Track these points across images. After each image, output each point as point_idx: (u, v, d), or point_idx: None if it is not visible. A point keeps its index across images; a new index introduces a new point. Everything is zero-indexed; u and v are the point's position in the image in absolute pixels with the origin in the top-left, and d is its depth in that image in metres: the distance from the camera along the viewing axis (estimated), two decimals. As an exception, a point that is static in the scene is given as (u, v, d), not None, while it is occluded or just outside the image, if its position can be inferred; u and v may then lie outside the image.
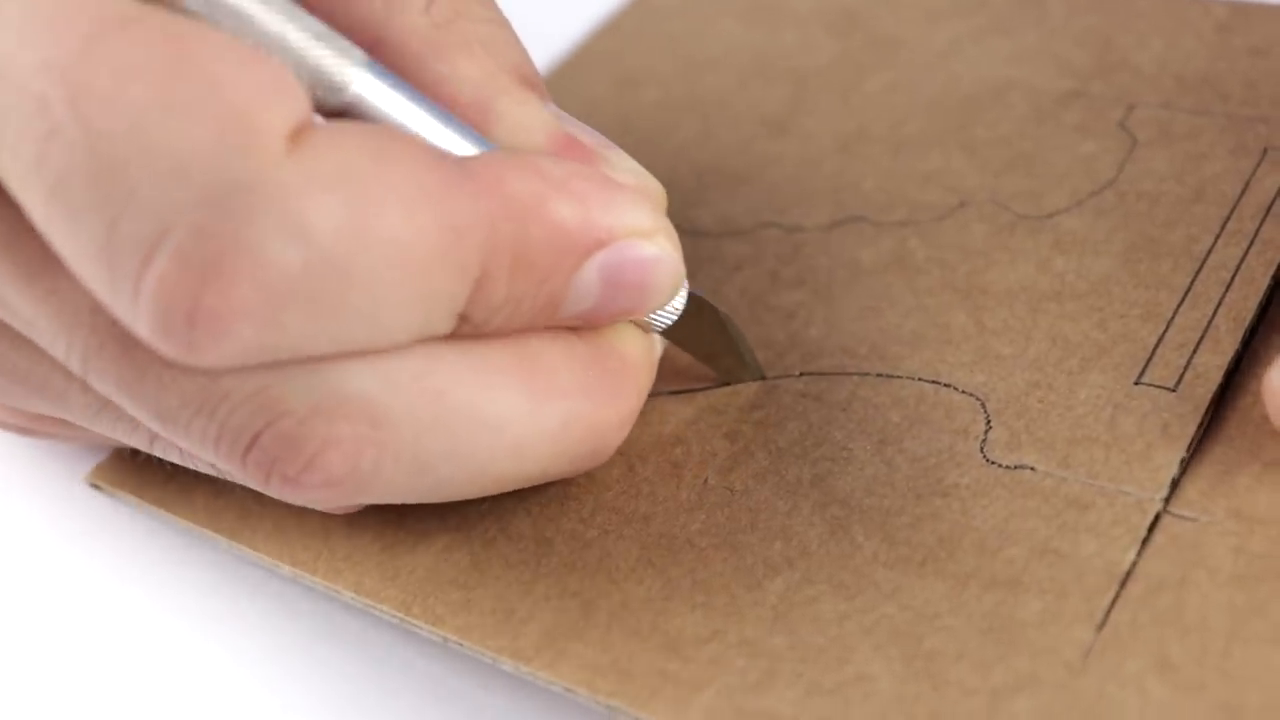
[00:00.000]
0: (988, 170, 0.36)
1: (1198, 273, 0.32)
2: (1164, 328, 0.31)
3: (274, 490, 0.26)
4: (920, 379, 0.31)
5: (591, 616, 0.28)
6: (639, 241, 0.27)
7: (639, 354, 0.29)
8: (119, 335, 0.25)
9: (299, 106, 0.24)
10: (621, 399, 0.29)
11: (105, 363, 0.26)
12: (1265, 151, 0.34)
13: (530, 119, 0.28)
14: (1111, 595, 0.27)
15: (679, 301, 0.30)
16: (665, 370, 0.32)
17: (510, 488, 0.28)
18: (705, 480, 0.30)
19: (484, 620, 0.29)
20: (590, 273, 0.27)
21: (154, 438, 0.29)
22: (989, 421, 0.30)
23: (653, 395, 0.32)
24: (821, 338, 0.33)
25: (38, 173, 0.23)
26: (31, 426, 0.32)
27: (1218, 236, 0.32)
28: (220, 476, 0.29)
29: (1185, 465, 0.28)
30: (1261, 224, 0.32)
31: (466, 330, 0.26)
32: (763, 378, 0.32)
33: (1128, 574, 0.27)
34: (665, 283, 0.28)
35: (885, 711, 0.26)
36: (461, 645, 0.29)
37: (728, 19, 0.44)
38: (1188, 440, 0.29)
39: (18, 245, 0.26)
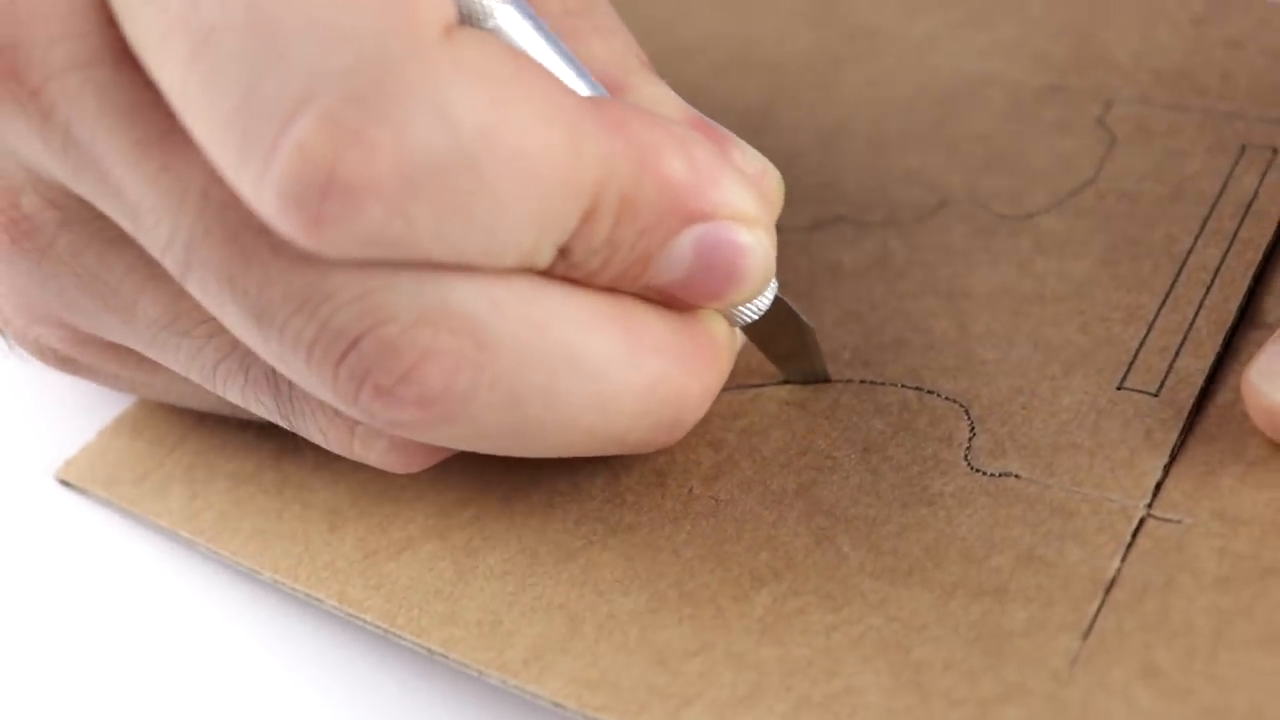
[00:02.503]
0: (967, 169, 0.36)
1: (1178, 274, 0.32)
2: (1145, 331, 0.31)
3: (363, 406, 0.26)
4: (904, 385, 0.31)
5: (578, 629, 0.28)
6: (739, 226, 0.27)
7: (724, 337, 0.29)
8: (228, 221, 0.25)
9: (451, 10, 0.24)
10: (706, 373, 0.28)
11: (210, 251, 0.25)
12: (1243, 149, 0.34)
13: (663, 97, 0.29)
14: (1097, 603, 0.27)
15: (766, 301, 0.30)
16: (737, 367, 0.32)
17: (591, 449, 0.28)
18: (690, 490, 0.30)
19: (469, 632, 0.29)
20: (686, 241, 0.27)
21: (220, 361, 0.29)
22: (973, 428, 0.30)
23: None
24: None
25: (186, 26, 0.23)
26: (74, 354, 0.31)
27: (1197, 236, 0.32)
28: (276, 416, 0.29)
29: (1168, 469, 0.28)
30: (1241, 223, 0.32)
31: (563, 269, 0.26)
32: (828, 379, 0.32)
33: (1113, 580, 0.27)
34: (755, 275, 0.28)
35: (874, 724, 0.26)
36: (447, 658, 0.29)
37: (704, 8, 0.44)
38: (1170, 446, 0.29)
39: (137, 116, 0.25)
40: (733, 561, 0.29)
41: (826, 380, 0.32)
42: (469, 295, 0.25)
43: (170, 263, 0.26)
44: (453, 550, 0.30)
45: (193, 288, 0.26)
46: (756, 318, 0.30)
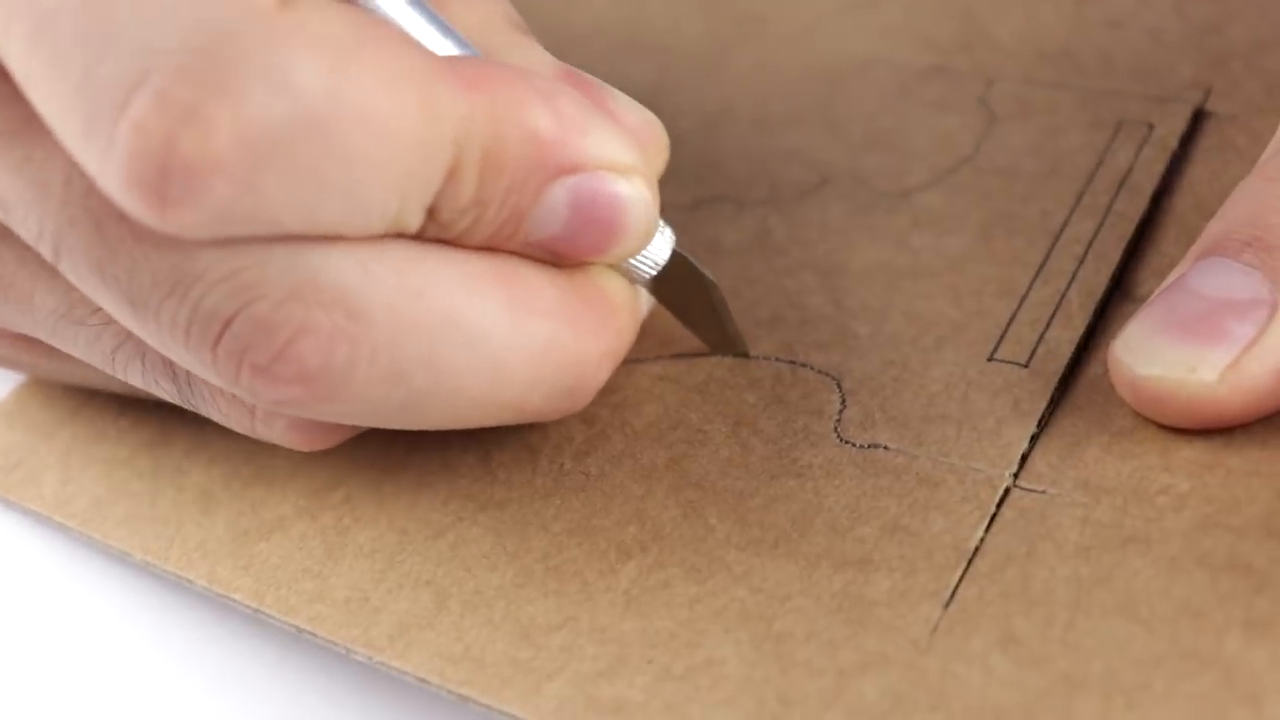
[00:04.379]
0: (849, 147, 0.36)
1: (1052, 248, 0.32)
2: (1017, 304, 0.31)
3: (245, 387, 0.25)
4: (777, 359, 0.31)
5: (444, 605, 0.28)
6: (615, 176, 0.27)
7: (622, 296, 0.29)
8: (92, 209, 0.25)
9: None
10: (603, 334, 0.28)
11: (76, 239, 0.25)
12: (1120, 125, 0.34)
13: (535, 57, 0.29)
14: (959, 572, 0.27)
15: (661, 255, 0.29)
16: (653, 337, 0.32)
17: (489, 419, 0.28)
18: (561, 465, 0.30)
19: (336, 610, 0.29)
20: (559, 194, 0.26)
21: (116, 348, 0.28)
22: (844, 401, 0.30)
23: (628, 362, 0.32)
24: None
25: (28, 8, 0.23)
26: (4, 353, 0.31)
27: (1072, 210, 0.33)
28: (179, 400, 0.29)
29: (1035, 440, 0.29)
30: (1115, 197, 0.33)
31: (434, 231, 0.26)
32: (746, 354, 0.32)
33: (976, 550, 0.27)
34: (636, 226, 0.27)
35: (734, 695, 0.26)
36: (315, 635, 0.28)
37: None
38: (1038, 416, 0.29)
39: None
40: (600, 535, 0.29)
41: (745, 354, 0.32)
42: (340, 266, 0.25)
43: (44, 252, 0.26)
44: (323, 530, 0.30)
45: (69, 276, 0.26)
46: (654, 273, 0.29)
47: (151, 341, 0.26)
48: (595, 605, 0.28)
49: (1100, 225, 0.32)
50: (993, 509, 0.28)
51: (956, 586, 0.26)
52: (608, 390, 0.31)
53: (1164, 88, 0.35)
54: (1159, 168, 0.33)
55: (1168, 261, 0.31)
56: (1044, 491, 0.28)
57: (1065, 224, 0.32)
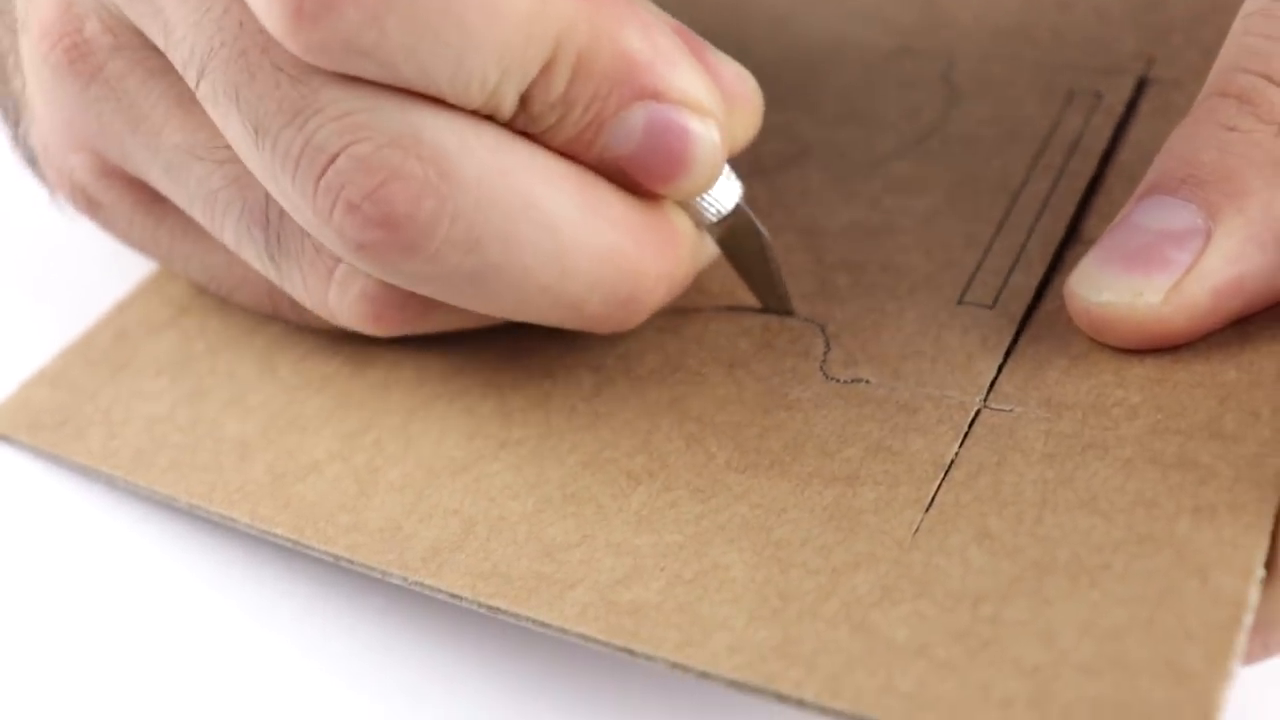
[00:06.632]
0: (825, 122, 0.39)
1: (1012, 205, 0.35)
2: (983, 254, 0.34)
3: (336, 226, 0.28)
4: (757, 310, 0.34)
5: (472, 530, 0.31)
6: (690, 113, 0.30)
7: (685, 231, 0.32)
8: (241, 38, 0.28)
9: None
10: (664, 257, 0.31)
11: (221, 61, 0.29)
12: (1071, 94, 0.37)
13: (651, 6, 0.31)
14: (938, 482, 0.30)
15: (727, 203, 0.32)
16: (711, 288, 0.35)
17: (550, 313, 0.30)
18: (573, 406, 0.33)
19: (372, 539, 0.31)
20: (637, 116, 0.29)
21: (222, 187, 0.32)
22: (828, 344, 0.33)
23: (686, 310, 0.34)
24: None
25: None
26: (98, 191, 0.35)
27: (1030, 172, 0.36)
28: (264, 255, 0.32)
29: (1001, 368, 0.32)
30: (1069, 158, 0.36)
31: (523, 122, 0.29)
32: (791, 313, 0.34)
33: (951, 462, 0.30)
34: (703, 163, 0.30)
35: (739, 594, 0.29)
36: (352, 562, 0.31)
37: None
38: (1004, 348, 0.32)
39: None
40: (611, 465, 0.32)
41: (790, 313, 0.34)
42: (441, 128, 0.28)
43: (189, 76, 0.29)
44: (355, 470, 0.33)
45: (204, 98, 0.29)
46: (717, 219, 0.32)
47: (262, 174, 0.29)
48: (610, 525, 0.31)
49: (1055, 183, 0.35)
50: (966, 427, 0.31)
51: (935, 493, 0.29)
52: (613, 341, 0.34)
53: (1111, 59, 0.38)
54: (1107, 131, 0.36)
55: (1117, 211, 0.34)
56: (1011, 410, 0.31)
57: (1024, 184, 0.35)
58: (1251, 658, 0.27)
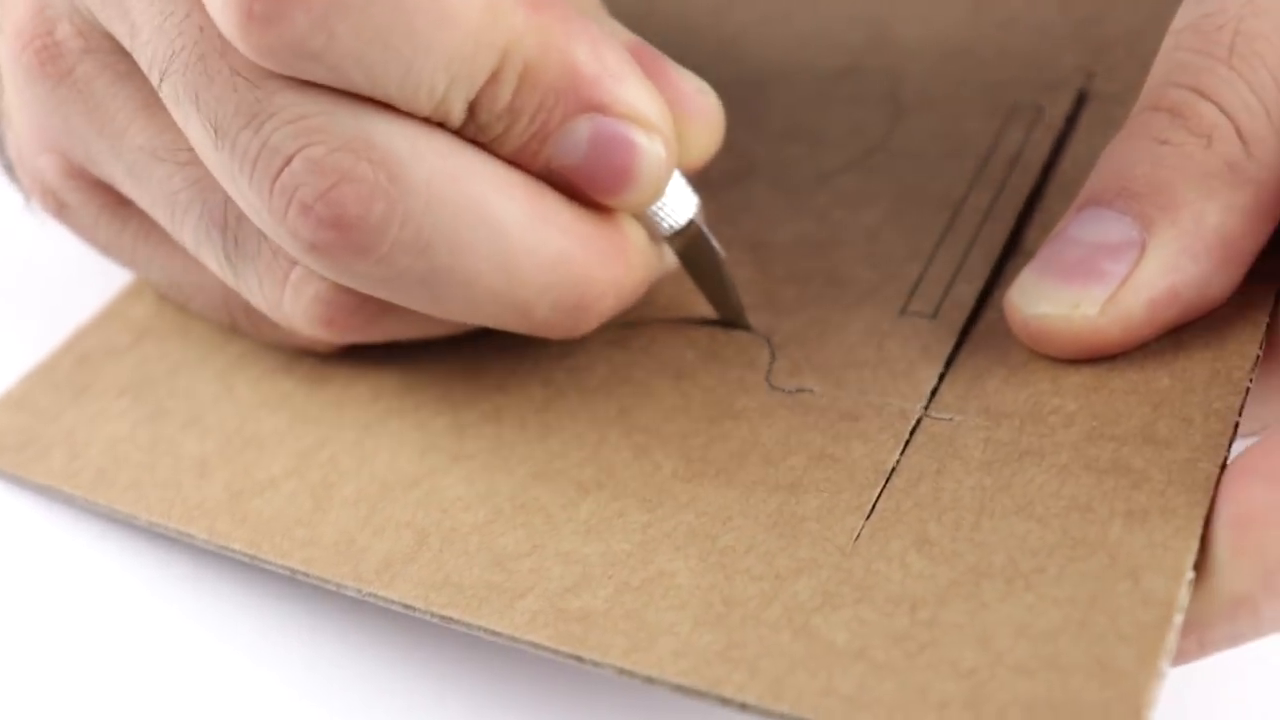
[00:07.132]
0: (772, 139, 0.40)
1: (954, 217, 0.36)
2: (925, 265, 0.35)
3: (290, 226, 0.29)
4: (713, 322, 0.35)
5: (425, 542, 0.32)
6: (635, 127, 0.30)
7: (637, 240, 0.32)
8: (202, 42, 0.29)
9: None
10: (613, 265, 0.31)
11: (183, 64, 0.29)
12: (1013, 109, 0.38)
13: (607, 25, 0.32)
14: (879, 489, 0.30)
15: (680, 217, 0.33)
16: (666, 300, 0.35)
17: (499, 317, 0.31)
18: (524, 420, 0.34)
19: (326, 553, 0.32)
20: (582, 128, 0.30)
21: (182, 189, 0.32)
22: (773, 354, 0.34)
23: (642, 320, 0.35)
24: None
25: None
26: (65, 193, 0.35)
27: (972, 185, 0.36)
28: (221, 257, 0.33)
29: (942, 377, 0.32)
30: (1010, 172, 0.36)
31: (472, 131, 0.29)
32: (748, 327, 0.35)
33: (893, 470, 0.31)
34: (648, 177, 0.31)
35: (685, 600, 0.29)
36: (307, 575, 0.32)
37: None
38: (945, 357, 0.33)
39: None
40: (561, 477, 0.32)
41: (746, 327, 0.35)
42: (392, 133, 0.29)
43: (153, 78, 0.30)
44: (310, 486, 0.33)
45: (167, 102, 0.30)
46: (670, 232, 0.33)
47: (221, 175, 0.30)
48: (559, 534, 0.31)
49: (997, 196, 0.36)
50: (907, 435, 0.31)
51: (876, 500, 0.30)
52: (562, 354, 0.35)
53: (1053, 74, 0.39)
54: (1047, 145, 0.37)
55: (1057, 223, 0.35)
56: (951, 419, 0.31)
57: (966, 197, 0.36)
58: (1185, 656, 0.28)
